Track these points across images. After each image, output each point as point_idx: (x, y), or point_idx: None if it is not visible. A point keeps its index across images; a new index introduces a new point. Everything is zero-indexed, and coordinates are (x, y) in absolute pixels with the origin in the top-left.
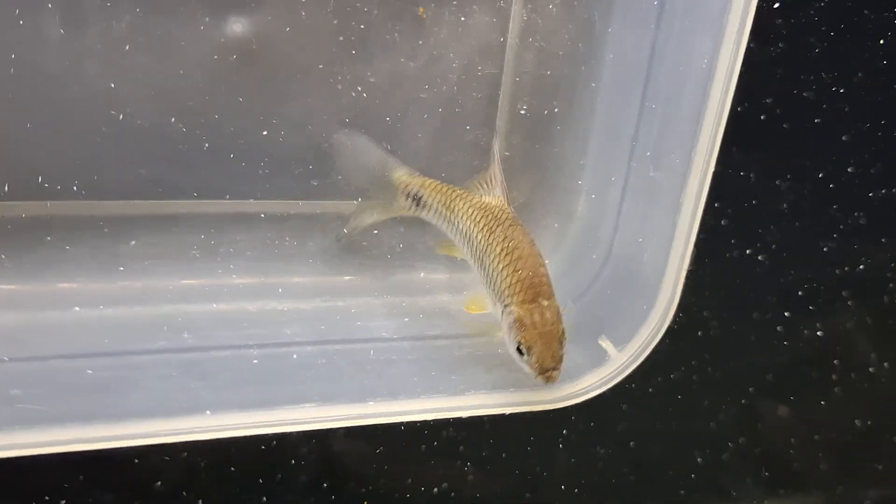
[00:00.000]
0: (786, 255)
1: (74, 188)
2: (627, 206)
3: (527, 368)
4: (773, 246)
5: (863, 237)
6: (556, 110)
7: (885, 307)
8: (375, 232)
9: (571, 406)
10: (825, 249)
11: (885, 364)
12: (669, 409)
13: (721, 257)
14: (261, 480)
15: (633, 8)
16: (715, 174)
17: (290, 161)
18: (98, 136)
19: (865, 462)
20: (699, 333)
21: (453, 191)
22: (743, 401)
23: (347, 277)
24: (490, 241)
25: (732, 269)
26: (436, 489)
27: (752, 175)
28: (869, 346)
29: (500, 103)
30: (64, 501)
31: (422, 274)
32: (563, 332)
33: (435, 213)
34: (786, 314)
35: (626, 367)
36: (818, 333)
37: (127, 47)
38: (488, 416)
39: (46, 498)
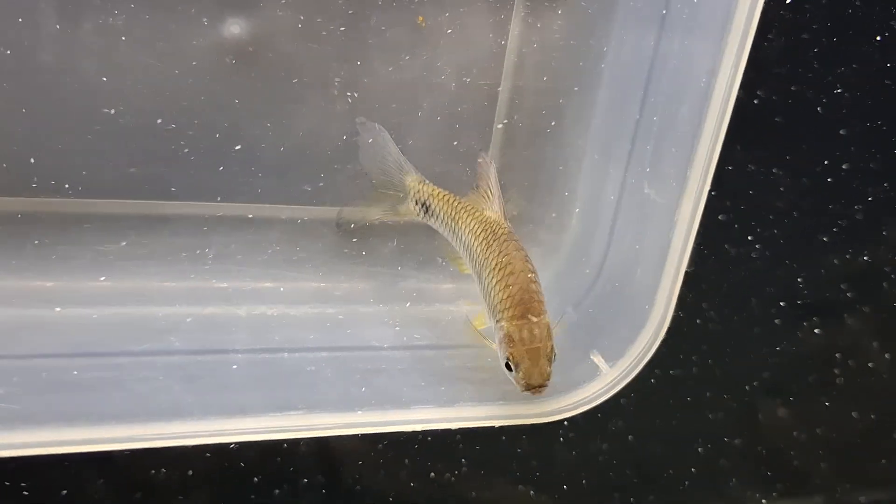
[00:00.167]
0: (785, 250)
1: (66, 186)
2: (621, 221)
3: (515, 384)
4: (772, 241)
5: (862, 232)
6: (552, 123)
7: (885, 301)
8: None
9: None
10: (825, 241)
11: (886, 356)
12: (669, 404)
13: (721, 252)
14: (242, 486)
15: (633, 21)
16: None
17: (282, 165)
18: (90, 133)
19: (867, 461)
20: (698, 328)
21: (459, 202)
22: (745, 399)
23: (340, 284)
24: (487, 255)
25: (732, 264)
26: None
27: (750, 167)
28: (869, 341)
29: (496, 113)
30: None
31: (415, 282)
32: (551, 349)
33: (441, 223)
34: (785, 309)
35: (617, 382)
36: (816, 331)
37: (123, 39)
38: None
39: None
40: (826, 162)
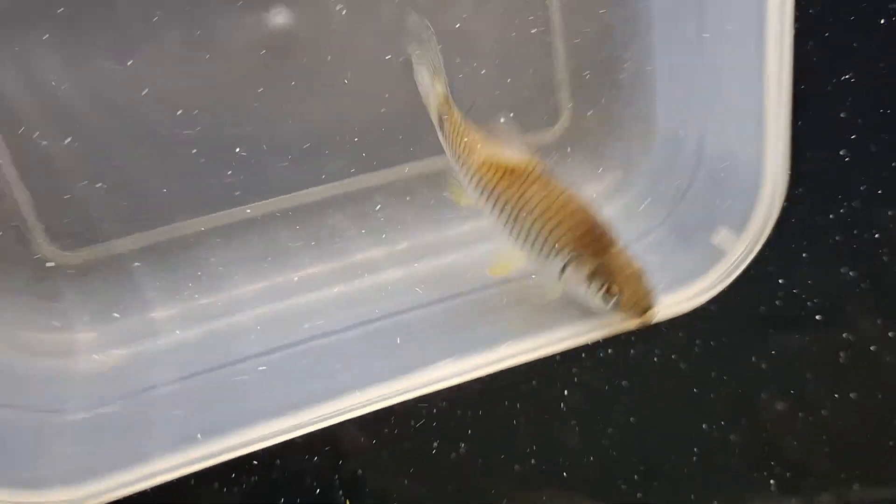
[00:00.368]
0: None
1: (171, 212)
2: (706, 95)
3: (620, 313)
4: None
5: None
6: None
7: None
8: None
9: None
10: None
11: None
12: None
13: None
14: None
15: None
16: None
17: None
18: (174, 156)
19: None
20: None
21: (475, 139)
22: None
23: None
24: (528, 197)
25: None
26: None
27: None
28: None
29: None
30: None
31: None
32: (643, 269)
33: (452, 151)
34: None
35: (743, 259)
36: None
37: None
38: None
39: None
40: None
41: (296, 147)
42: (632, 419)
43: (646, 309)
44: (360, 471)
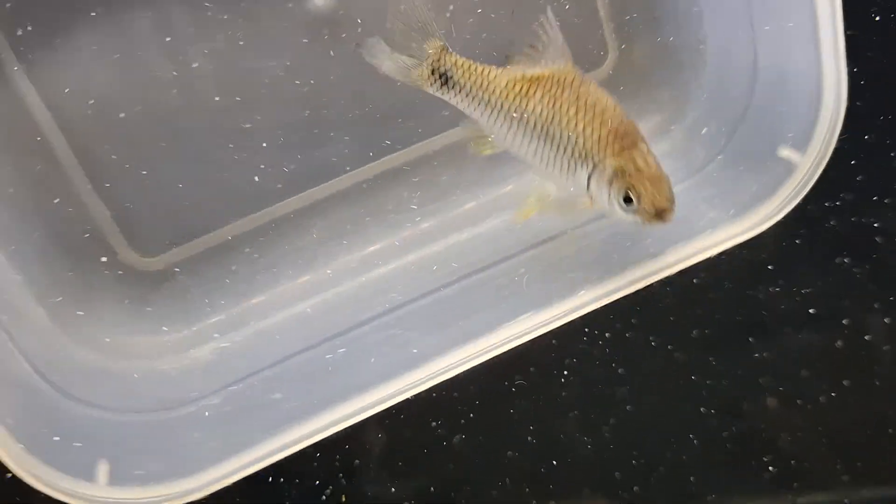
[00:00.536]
0: None
1: (241, 207)
2: (754, 10)
3: (637, 218)
4: None
5: None
6: None
7: None
8: None
9: None
10: None
11: None
12: None
13: None
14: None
15: None
16: None
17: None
18: (244, 150)
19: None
20: None
21: (491, 70)
22: None
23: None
24: (557, 107)
25: None
26: None
27: None
28: None
29: None
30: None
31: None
32: (668, 177)
33: (469, 97)
34: None
35: (813, 172)
36: None
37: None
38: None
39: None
40: None
41: (350, 126)
42: (628, 408)
43: (662, 210)
44: (356, 461)
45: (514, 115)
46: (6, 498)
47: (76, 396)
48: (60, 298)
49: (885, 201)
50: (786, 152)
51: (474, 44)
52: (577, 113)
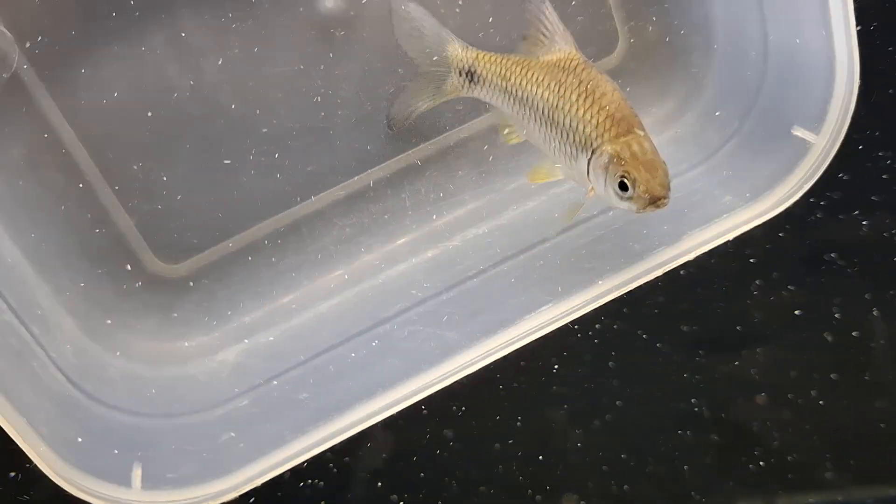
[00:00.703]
0: None
1: (264, 207)
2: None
3: (632, 204)
4: None
5: None
6: None
7: None
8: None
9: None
10: None
11: None
12: None
13: None
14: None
15: None
16: None
17: None
18: (263, 155)
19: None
20: None
21: (508, 59)
22: None
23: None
24: (561, 93)
25: None
26: None
27: None
28: None
29: None
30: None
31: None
32: (664, 163)
33: (491, 86)
34: None
35: (829, 150)
36: None
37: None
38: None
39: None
40: None
41: (365, 125)
42: (618, 402)
43: (657, 198)
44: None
45: (527, 102)
46: None
47: (108, 403)
48: (88, 307)
49: (873, 198)
50: (800, 132)
51: (484, 31)
52: (578, 98)
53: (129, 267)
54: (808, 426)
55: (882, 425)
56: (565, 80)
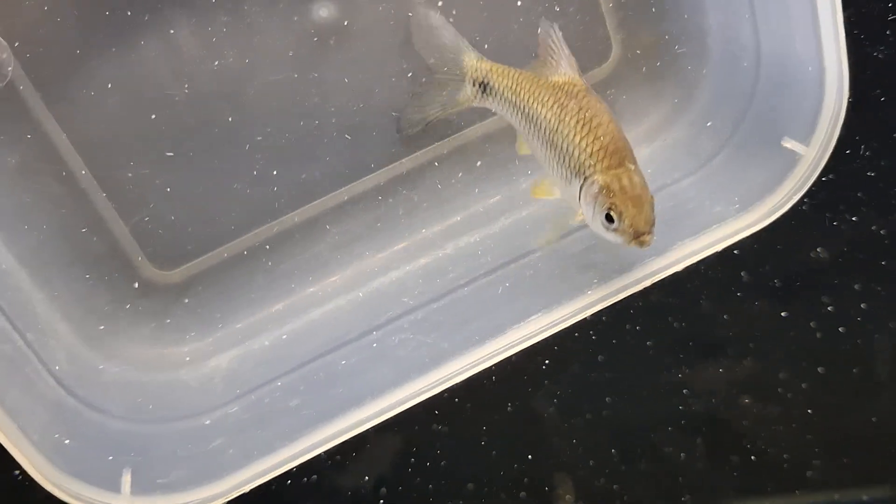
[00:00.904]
0: None
1: (258, 215)
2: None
3: (617, 237)
4: None
5: None
6: None
7: None
8: None
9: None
10: None
11: None
12: None
13: None
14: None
15: None
16: None
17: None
18: (258, 163)
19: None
20: None
21: (521, 74)
22: None
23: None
24: (562, 116)
25: None
26: None
27: None
28: None
29: None
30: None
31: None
32: (652, 198)
33: (502, 99)
34: None
35: (818, 162)
36: None
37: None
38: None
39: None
40: None
41: (358, 133)
42: (608, 399)
43: (640, 234)
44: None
45: (532, 119)
46: None
47: (100, 409)
48: (83, 313)
49: (858, 195)
50: (790, 143)
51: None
52: (576, 124)
53: (123, 273)
54: (796, 424)
55: (873, 419)
56: (567, 105)
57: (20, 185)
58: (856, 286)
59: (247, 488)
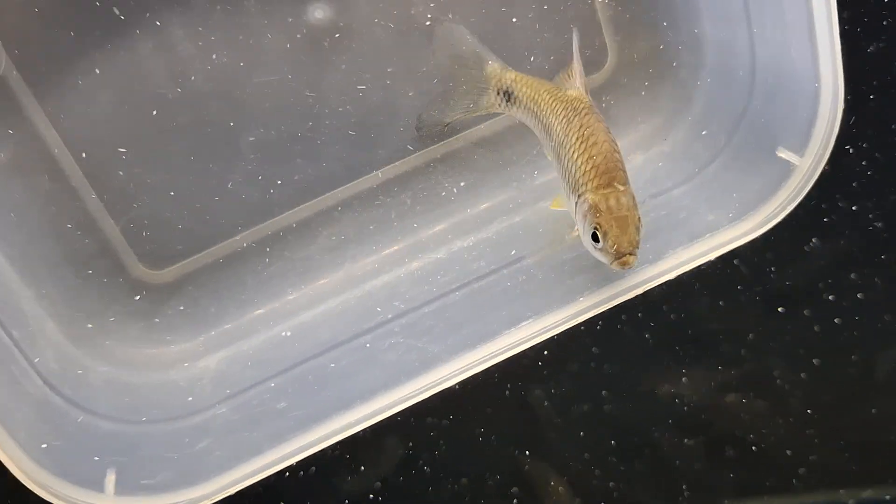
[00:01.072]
0: None
1: (247, 218)
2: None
3: (602, 256)
4: None
5: None
6: None
7: None
8: None
9: None
10: None
11: None
12: None
13: None
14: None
15: None
16: None
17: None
18: (249, 163)
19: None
20: None
21: (542, 85)
22: None
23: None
24: (567, 131)
25: None
26: None
27: None
28: None
29: None
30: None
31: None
32: (639, 219)
33: (524, 108)
34: None
35: (812, 172)
36: None
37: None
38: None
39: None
40: None
41: (352, 135)
42: (605, 396)
43: (623, 254)
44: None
45: (547, 130)
46: None
47: (87, 408)
48: (71, 312)
49: (853, 185)
50: (784, 154)
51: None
52: (576, 141)
53: (112, 272)
54: (794, 422)
55: (872, 413)
56: (572, 121)
57: (10, 182)
58: (853, 278)
59: (232, 490)
